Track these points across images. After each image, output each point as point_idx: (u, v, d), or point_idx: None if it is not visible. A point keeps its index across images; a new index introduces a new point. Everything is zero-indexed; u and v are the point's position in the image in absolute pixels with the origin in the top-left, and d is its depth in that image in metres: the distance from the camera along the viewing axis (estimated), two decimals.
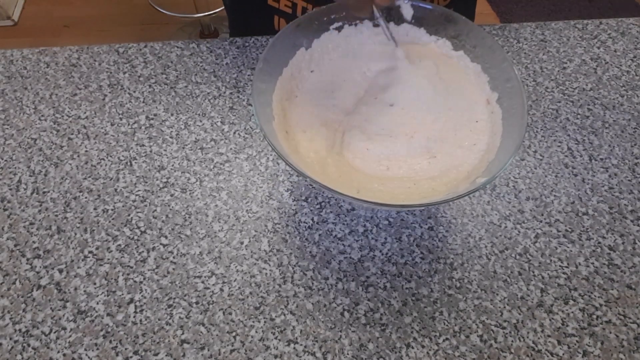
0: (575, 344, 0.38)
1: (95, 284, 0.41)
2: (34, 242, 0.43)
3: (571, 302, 0.40)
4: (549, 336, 0.38)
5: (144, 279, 0.41)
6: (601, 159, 0.49)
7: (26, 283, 0.41)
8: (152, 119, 0.52)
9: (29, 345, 0.38)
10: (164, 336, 0.38)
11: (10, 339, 0.38)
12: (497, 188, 0.47)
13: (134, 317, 0.39)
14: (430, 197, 0.36)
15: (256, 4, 0.58)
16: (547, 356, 0.38)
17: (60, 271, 0.41)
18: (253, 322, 0.39)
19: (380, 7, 0.42)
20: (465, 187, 0.34)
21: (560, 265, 0.42)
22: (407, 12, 0.42)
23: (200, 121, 0.52)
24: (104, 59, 0.58)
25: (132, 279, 0.41)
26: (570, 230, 0.44)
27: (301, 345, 0.38)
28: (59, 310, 0.39)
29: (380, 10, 0.41)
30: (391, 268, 0.42)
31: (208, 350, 0.38)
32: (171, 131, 0.51)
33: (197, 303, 0.40)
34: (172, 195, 0.46)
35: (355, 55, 0.44)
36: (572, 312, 0.40)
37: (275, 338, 0.38)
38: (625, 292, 0.41)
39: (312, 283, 0.41)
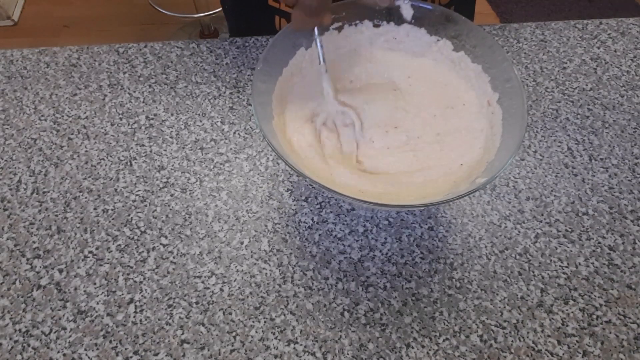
0: (575, 344, 0.38)
1: (95, 284, 0.41)
2: (34, 242, 0.43)
3: (571, 302, 0.40)
4: (549, 336, 0.38)
5: (144, 279, 0.41)
6: (601, 159, 0.49)
7: (26, 283, 0.41)
8: (152, 119, 0.52)
9: (29, 345, 0.38)
10: (164, 336, 0.38)
11: (10, 339, 0.38)
12: (497, 188, 0.47)
13: (134, 317, 0.39)
14: (430, 197, 0.36)
15: (257, 4, 0.58)
16: (547, 356, 0.38)
17: (60, 271, 0.41)
18: (253, 322, 0.39)
19: (324, 27, 0.39)
20: (465, 187, 0.34)
21: (560, 265, 0.42)
22: (407, 12, 0.42)
23: (200, 121, 0.52)
24: (104, 59, 0.58)
25: (132, 279, 0.41)
26: (570, 230, 0.44)
27: (301, 345, 0.38)
28: (59, 310, 0.39)
29: (320, 33, 0.40)
30: (391, 268, 0.42)
31: (208, 350, 0.38)
32: (171, 131, 0.51)
33: (197, 303, 0.40)
34: (172, 195, 0.46)
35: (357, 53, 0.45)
36: (572, 312, 0.40)
37: (275, 338, 0.38)
38: (625, 292, 0.41)
39: (312, 283, 0.41)
